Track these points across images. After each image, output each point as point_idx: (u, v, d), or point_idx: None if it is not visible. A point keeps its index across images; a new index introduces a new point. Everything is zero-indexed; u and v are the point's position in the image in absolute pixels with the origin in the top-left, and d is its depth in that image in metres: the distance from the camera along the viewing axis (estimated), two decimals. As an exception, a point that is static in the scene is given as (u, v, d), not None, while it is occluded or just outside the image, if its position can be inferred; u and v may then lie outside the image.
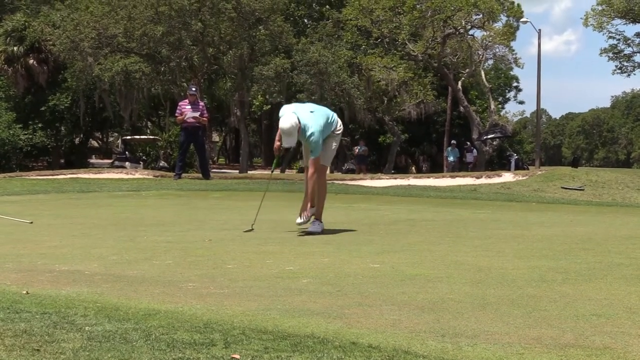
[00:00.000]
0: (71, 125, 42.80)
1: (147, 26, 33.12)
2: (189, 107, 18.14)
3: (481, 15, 39.86)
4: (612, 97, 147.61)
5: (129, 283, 4.64)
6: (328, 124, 8.19)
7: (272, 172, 10.16)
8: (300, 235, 7.61)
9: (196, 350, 2.93)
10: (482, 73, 43.44)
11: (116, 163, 36.54)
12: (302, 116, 7.99)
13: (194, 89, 19.21)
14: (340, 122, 8.47)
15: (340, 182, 18.03)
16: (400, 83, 39.28)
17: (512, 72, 73.60)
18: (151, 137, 42.58)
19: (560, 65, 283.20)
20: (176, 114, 18.87)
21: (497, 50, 43.08)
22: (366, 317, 3.70)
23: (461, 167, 39.35)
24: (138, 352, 2.88)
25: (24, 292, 4.18)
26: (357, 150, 40.06)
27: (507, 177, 19.86)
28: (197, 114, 18.06)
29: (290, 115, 7.95)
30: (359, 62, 38.42)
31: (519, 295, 4.34)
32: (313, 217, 8.04)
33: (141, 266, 5.42)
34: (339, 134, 8.39)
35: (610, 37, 55.28)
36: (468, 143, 43.12)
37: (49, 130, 41.57)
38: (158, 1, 33.29)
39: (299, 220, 7.98)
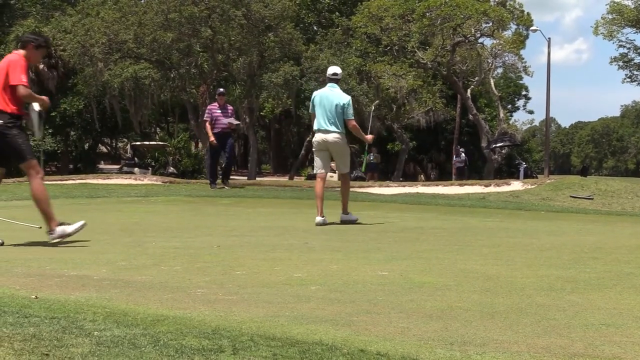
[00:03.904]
0: (81, 130, 42.96)
1: (157, 32, 33.24)
2: (220, 112, 17.01)
3: (491, 24, 39.87)
4: (622, 106, 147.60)
5: (138, 288, 4.64)
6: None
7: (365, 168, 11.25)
8: (306, 242, 7.61)
9: (204, 356, 2.93)
10: (492, 81, 43.43)
11: (125, 169, 36.65)
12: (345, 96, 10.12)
13: (222, 90, 18.23)
14: None
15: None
16: (409, 91, 39.31)
17: (521, 81, 73.66)
18: (160, 143, 42.67)
19: (570, 74, 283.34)
20: (205, 118, 17.57)
21: (507, 58, 43.09)
22: (374, 325, 3.69)
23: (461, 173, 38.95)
24: (146, 357, 2.88)
25: (33, 296, 4.18)
26: (369, 158, 39.95)
27: (516, 185, 19.81)
28: (234, 121, 17.11)
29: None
30: (368, 70, 38.47)
31: (528, 304, 4.32)
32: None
33: (150, 272, 5.42)
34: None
35: (620, 45, 55.30)
36: (458, 146, 43.10)
37: (58, 136, 41.74)
38: (168, 8, 33.42)
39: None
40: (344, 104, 9.85)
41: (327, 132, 9.85)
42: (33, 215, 10.20)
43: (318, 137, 9.96)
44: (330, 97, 9.90)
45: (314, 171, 10.34)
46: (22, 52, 7.19)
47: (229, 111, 17.35)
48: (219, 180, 17.68)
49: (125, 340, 3.13)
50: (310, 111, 10.24)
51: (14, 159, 7.19)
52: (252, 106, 37.78)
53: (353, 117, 10.03)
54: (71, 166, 43.70)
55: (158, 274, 5.31)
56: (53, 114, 40.52)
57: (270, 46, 35.60)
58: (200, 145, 47.20)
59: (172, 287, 4.72)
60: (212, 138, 16.83)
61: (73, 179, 21.63)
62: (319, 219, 9.62)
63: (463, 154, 39.30)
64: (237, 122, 17.30)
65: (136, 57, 35.69)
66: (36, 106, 7.23)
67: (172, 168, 36.48)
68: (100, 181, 20.60)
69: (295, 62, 36.87)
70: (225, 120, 16.94)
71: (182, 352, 2.96)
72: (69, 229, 7.10)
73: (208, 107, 17.75)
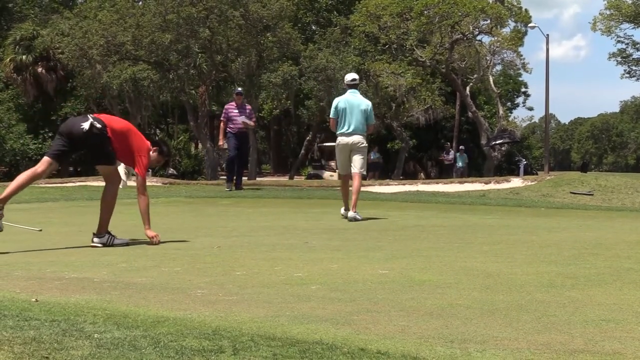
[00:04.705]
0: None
1: (155, 34, 33.24)
2: (237, 111, 16.58)
3: (489, 21, 39.79)
4: (621, 101, 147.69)
5: (138, 290, 4.65)
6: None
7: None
8: (307, 242, 7.61)
9: (205, 357, 2.93)
10: (490, 78, 43.39)
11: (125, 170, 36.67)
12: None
13: (240, 89, 18.09)
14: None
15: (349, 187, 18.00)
16: (408, 89, 39.24)
17: (520, 78, 73.67)
18: (160, 144, 42.45)
19: (569, 71, 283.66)
20: (222, 118, 17.02)
21: (505, 55, 42.97)
22: (375, 323, 3.69)
23: (463, 172, 38.96)
24: (147, 359, 2.89)
25: (33, 299, 4.19)
26: (370, 157, 39.90)
27: (516, 182, 19.80)
28: (248, 121, 16.64)
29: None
30: (366, 68, 38.40)
31: (528, 300, 4.32)
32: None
33: (150, 273, 5.43)
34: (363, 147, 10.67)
35: (618, 41, 55.37)
36: (448, 144, 43.47)
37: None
38: (166, 9, 33.42)
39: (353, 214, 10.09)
40: (369, 109, 10.65)
41: (351, 134, 10.50)
42: (33, 218, 10.21)
43: (342, 140, 10.58)
44: (355, 102, 10.60)
45: (339, 172, 11.41)
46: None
47: (247, 110, 17.04)
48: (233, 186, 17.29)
49: (126, 342, 3.13)
50: (332, 116, 10.74)
51: (98, 161, 7.71)
52: (251, 106, 37.75)
53: (374, 122, 11.06)
54: (71, 169, 43.67)
55: (158, 276, 5.31)
56: (54, 117, 40.51)
57: (269, 46, 35.58)
58: (200, 146, 47.21)
59: (173, 289, 4.73)
60: (221, 142, 16.51)
61: (73, 182, 21.63)
62: (350, 213, 10.20)
63: (452, 152, 39.37)
64: (250, 123, 17.03)
65: (134, 58, 35.68)
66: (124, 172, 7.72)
67: (172, 169, 36.49)
68: (100, 183, 20.50)
69: (294, 62, 36.85)
70: (239, 120, 16.60)
71: (182, 353, 2.96)
72: (116, 240, 7.38)
73: (225, 107, 17.43)
